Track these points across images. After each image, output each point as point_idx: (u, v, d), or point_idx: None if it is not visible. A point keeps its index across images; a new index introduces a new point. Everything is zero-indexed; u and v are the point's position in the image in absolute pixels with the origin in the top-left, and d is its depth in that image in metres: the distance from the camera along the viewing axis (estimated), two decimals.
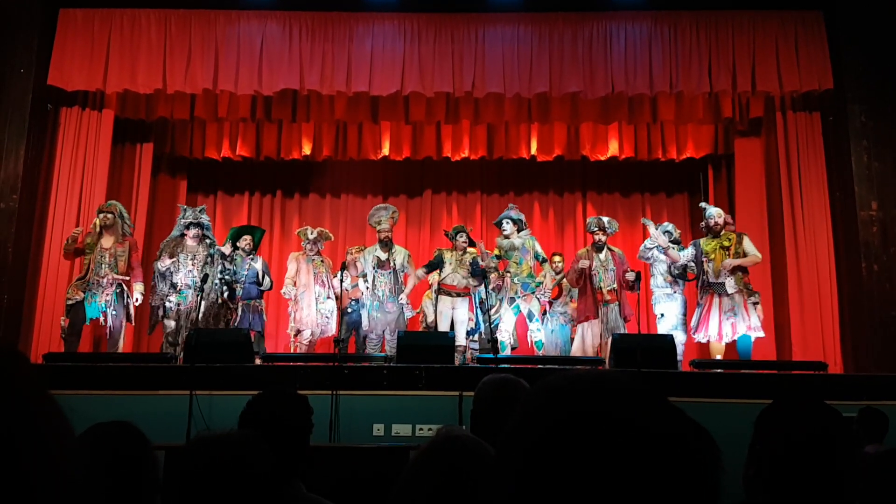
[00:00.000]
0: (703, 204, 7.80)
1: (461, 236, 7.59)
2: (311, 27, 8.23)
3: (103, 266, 7.12)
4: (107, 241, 7.23)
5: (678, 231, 7.85)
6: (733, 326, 7.06)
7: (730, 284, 7.12)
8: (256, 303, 7.52)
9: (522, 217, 7.90)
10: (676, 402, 0.67)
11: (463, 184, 10.27)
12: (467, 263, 7.48)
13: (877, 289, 7.40)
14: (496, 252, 7.70)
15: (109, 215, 7.29)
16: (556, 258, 8.35)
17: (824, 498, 1.38)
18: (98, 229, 7.26)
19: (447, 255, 7.55)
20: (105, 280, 7.09)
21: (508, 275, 7.53)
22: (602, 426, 0.63)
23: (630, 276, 7.33)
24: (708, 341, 7.27)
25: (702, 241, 7.36)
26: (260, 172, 10.23)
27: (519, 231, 7.75)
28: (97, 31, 8.12)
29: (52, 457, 0.63)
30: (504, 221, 7.75)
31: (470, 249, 7.58)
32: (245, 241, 7.65)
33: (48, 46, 8.02)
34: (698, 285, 7.43)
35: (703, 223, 7.50)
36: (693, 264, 7.44)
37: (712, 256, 7.25)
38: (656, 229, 7.57)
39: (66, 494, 0.64)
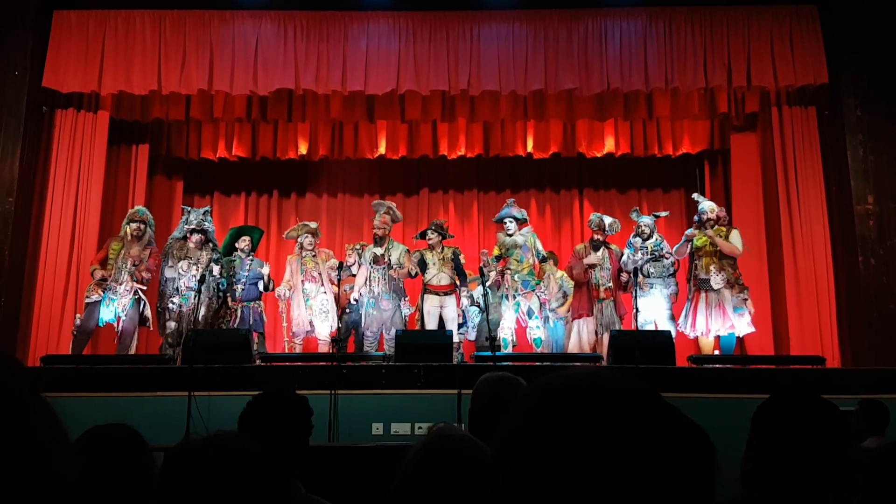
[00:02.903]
0: (696, 196, 7.77)
1: (428, 234, 7.51)
2: (305, 27, 8.22)
3: (124, 272, 7.11)
4: (133, 250, 7.21)
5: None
6: (721, 321, 7.07)
7: (716, 281, 7.13)
8: (256, 304, 7.50)
9: (524, 213, 7.86)
10: (674, 397, 0.67)
11: (459, 182, 10.27)
12: (449, 259, 7.44)
13: (874, 283, 7.41)
14: (497, 251, 7.64)
15: (142, 225, 7.31)
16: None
17: (823, 492, 1.38)
18: (129, 237, 7.25)
19: (428, 256, 7.47)
20: (123, 287, 7.08)
21: (509, 272, 7.47)
22: (596, 429, 0.63)
23: (623, 276, 7.36)
24: (697, 338, 7.28)
25: (693, 233, 7.35)
26: (256, 173, 10.22)
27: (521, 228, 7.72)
28: (92, 33, 8.10)
29: (47, 460, 0.63)
30: (507, 220, 7.67)
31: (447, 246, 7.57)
32: (244, 242, 7.64)
33: (43, 48, 8.00)
34: (688, 279, 7.43)
35: (696, 216, 7.49)
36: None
37: (701, 252, 7.26)
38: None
39: (63, 498, 0.64)
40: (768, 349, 7.99)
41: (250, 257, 7.62)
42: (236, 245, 7.65)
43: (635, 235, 7.55)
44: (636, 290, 6.80)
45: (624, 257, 7.46)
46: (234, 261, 7.56)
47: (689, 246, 7.37)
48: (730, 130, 9.14)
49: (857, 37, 7.87)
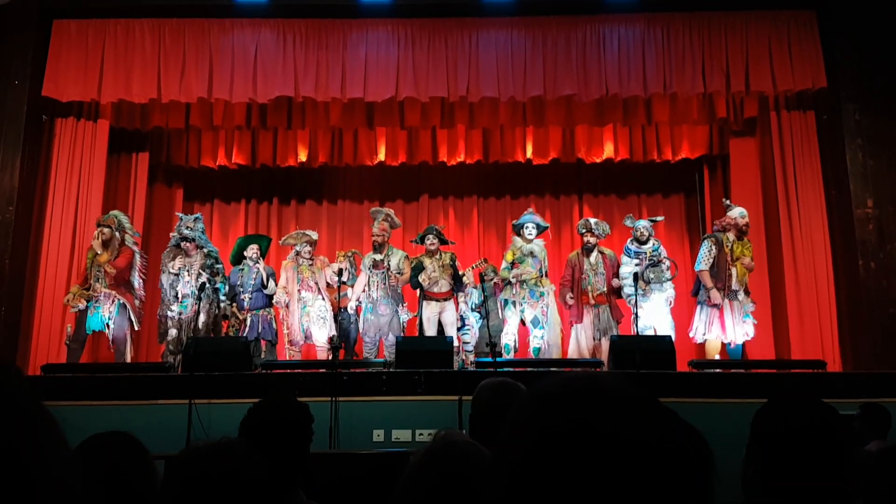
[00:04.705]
0: (727, 201, 7.73)
1: (429, 238, 7.46)
2: (304, 34, 8.24)
3: (99, 280, 7.11)
4: (103, 256, 7.20)
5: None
6: (741, 327, 7.13)
7: (742, 292, 7.18)
8: (265, 312, 7.48)
9: (546, 224, 7.85)
10: (675, 402, 0.67)
11: (459, 188, 10.27)
12: (448, 266, 7.42)
13: (874, 286, 7.41)
14: (510, 256, 7.54)
15: (106, 229, 7.27)
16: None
17: (824, 496, 1.38)
18: (97, 242, 7.24)
19: (427, 262, 7.41)
20: (101, 295, 7.08)
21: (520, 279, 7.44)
22: (591, 433, 0.63)
23: (615, 282, 7.34)
24: (704, 342, 7.28)
25: (723, 238, 7.27)
26: (256, 180, 10.23)
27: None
28: (91, 42, 8.12)
29: (47, 468, 0.63)
30: (530, 226, 7.56)
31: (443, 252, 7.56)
32: (252, 251, 7.63)
33: (43, 58, 8.02)
34: (708, 287, 7.28)
35: (723, 222, 7.38)
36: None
37: (734, 262, 7.20)
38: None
39: None
40: (769, 354, 7.99)
41: (258, 265, 7.61)
42: (244, 254, 7.64)
43: (633, 240, 7.54)
44: (637, 297, 6.80)
45: (625, 263, 7.43)
46: (243, 269, 7.55)
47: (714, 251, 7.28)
48: (729, 135, 9.15)
49: (856, 41, 7.88)
